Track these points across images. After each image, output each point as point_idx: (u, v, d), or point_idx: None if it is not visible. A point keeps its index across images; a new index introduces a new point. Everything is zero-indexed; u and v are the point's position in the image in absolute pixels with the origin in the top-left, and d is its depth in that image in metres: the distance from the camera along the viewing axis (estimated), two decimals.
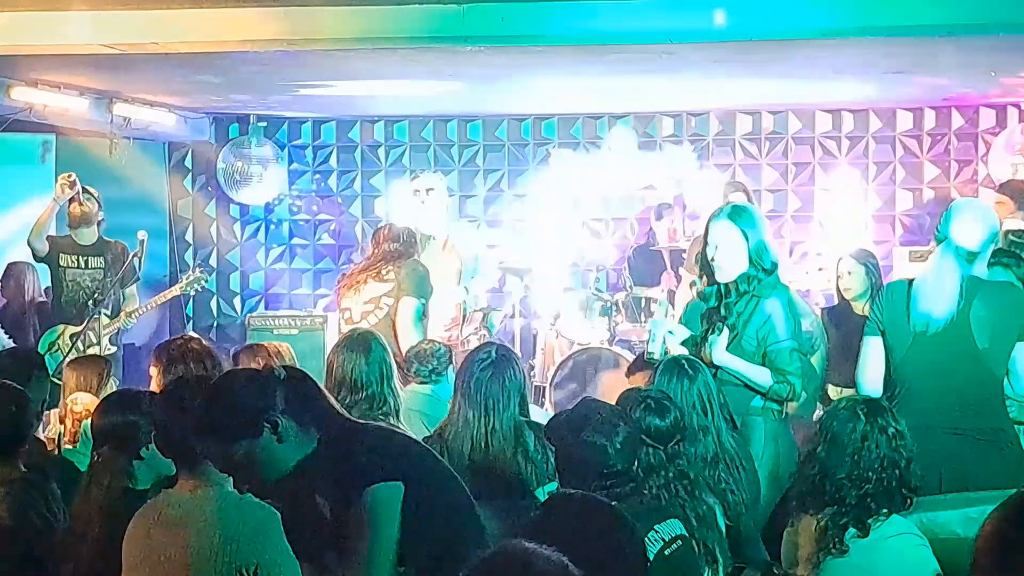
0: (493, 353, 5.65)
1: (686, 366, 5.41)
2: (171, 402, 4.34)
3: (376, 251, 8.87)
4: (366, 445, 4.05)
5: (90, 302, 9.83)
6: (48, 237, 10.11)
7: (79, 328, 9.63)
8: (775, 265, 6.19)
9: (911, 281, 5.86)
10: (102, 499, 4.60)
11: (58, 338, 9.90)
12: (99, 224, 10.14)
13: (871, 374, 5.92)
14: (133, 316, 9.96)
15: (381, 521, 3.92)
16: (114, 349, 9.50)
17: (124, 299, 10.06)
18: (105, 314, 9.63)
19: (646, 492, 4.54)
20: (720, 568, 4.72)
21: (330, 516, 3.98)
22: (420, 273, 8.72)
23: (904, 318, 5.79)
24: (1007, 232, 7.11)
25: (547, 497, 3.60)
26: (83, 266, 10.07)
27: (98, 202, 10.15)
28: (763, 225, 6.28)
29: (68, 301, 9.99)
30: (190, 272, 10.41)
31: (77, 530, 4.62)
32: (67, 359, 8.53)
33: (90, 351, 9.33)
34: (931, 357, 5.72)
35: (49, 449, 6.78)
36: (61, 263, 10.05)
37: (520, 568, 2.60)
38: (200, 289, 10.48)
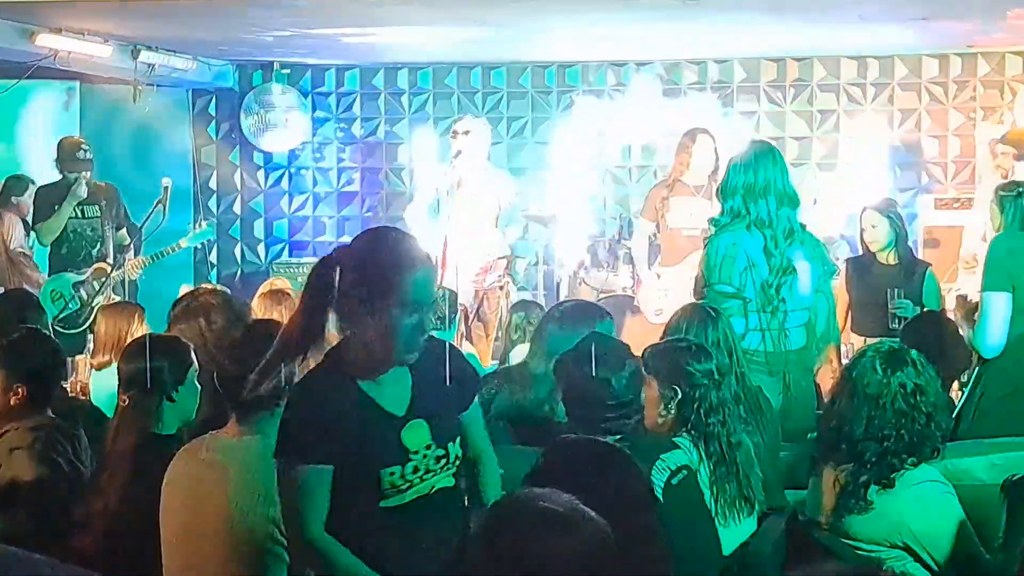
0: (564, 308, 5.73)
1: (709, 310, 5.44)
2: (246, 346, 4.36)
3: None
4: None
5: (93, 251, 9.84)
6: (39, 189, 10.14)
7: (83, 277, 9.65)
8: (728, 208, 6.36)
9: None
10: (129, 444, 4.62)
11: (61, 286, 9.89)
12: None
13: (997, 332, 5.78)
14: (138, 267, 9.94)
15: None
16: (118, 298, 9.47)
17: (117, 241, 10.06)
18: (108, 263, 9.64)
19: (668, 427, 4.58)
20: (756, 506, 4.74)
21: None
22: None
23: None
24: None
25: (550, 442, 3.62)
26: (81, 215, 10.04)
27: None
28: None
29: (70, 251, 9.96)
30: (196, 225, 10.41)
31: (104, 475, 4.65)
32: (98, 306, 8.57)
33: (95, 300, 9.38)
34: None
35: (71, 395, 6.83)
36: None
37: (527, 511, 2.62)
38: (206, 242, 10.49)
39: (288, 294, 7.20)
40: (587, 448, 3.44)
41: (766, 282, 6.24)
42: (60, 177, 10.15)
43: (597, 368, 4.38)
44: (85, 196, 9.95)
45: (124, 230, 10.07)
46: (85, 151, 10.04)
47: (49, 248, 10.10)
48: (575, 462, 3.33)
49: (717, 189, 6.61)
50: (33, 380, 5.09)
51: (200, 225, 10.36)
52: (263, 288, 7.85)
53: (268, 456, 4.10)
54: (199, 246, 10.56)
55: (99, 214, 10.03)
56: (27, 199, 10.19)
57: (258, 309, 6.82)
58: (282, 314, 6.54)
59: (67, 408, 5.71)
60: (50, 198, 10.08)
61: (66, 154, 10.07)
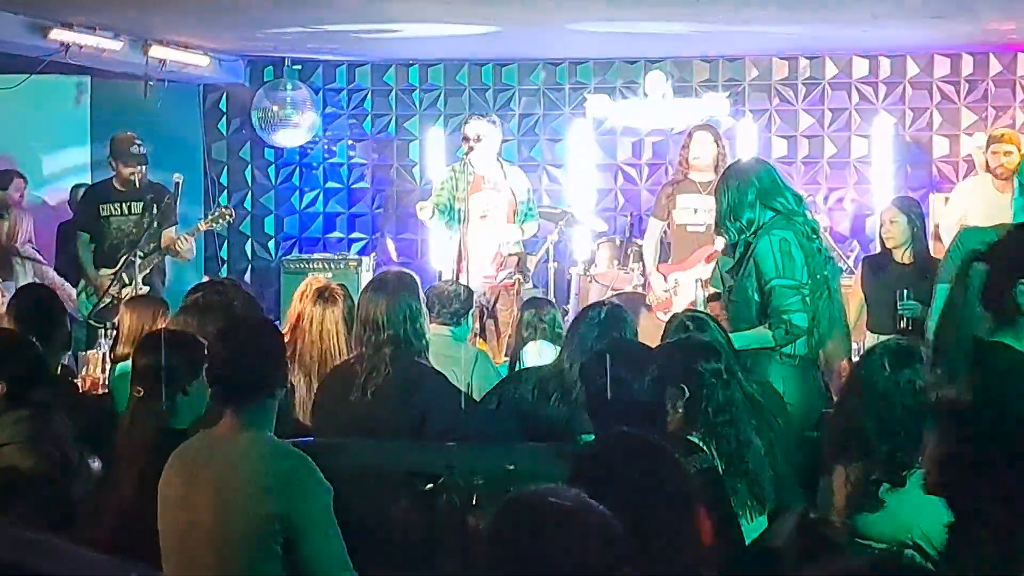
0: (603, 313, 5.67)
1: (690, 325, 5.42)
2: (234, 341, 4.36)
3: None
4: None
5: (136, 247, 9.81)
6: (87, 190, 10.19)
7: (113, 270, 9.64)
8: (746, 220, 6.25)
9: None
10: (143, 438, 4.63)
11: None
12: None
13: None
14: (155, 257, 9.88)
15: None
16: (147, 289, 9.44)
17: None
18: (139, 255, 9.62)
19: (676, 427, 4.57)
20: (767, 505, 4.74)
21: None
22: None
23: None
24: None
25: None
26: (127, 212, 9.96)
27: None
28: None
29: (111, 248, 9.93)
30: (215, 209, 10.42)
31: (118, 468, 4.66)
32: (124, 299, 8.58)
33: (123, 292, 9.38)
34: None
35: (84, 390, 6.83)
36: (102, 212, 9.99)
37: (535, 507, 2.63)
38: (229, 222, 10.49)
39: (337, 294, 6.37)
40: (639, 443, 3.44)
41: (820, 266, 6.19)
42: (112, 174, 10.12)
43: (618, 372, 4.37)
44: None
45: (173, 229, 9.97)
46: (139, 146, 9.97)
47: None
48: (626, 455, 3.33)
49: (722, 217, 6.45)
50: (11, 379, 5.14)
51: (218, 208, 10.38)
52: (306, 287, 6.59)
53: (256, 451, 4.10)
54: (217, 227, 10.52)
55: (144, 211, 9.97)
56: (12, 192, 10.42)
57: (308, 310, 6.45)
58: (335, 316, 6.30)
59: (76, 402, 5.72)
60: (98, 197, 10.05)
61: (119, 150, 10.01)
